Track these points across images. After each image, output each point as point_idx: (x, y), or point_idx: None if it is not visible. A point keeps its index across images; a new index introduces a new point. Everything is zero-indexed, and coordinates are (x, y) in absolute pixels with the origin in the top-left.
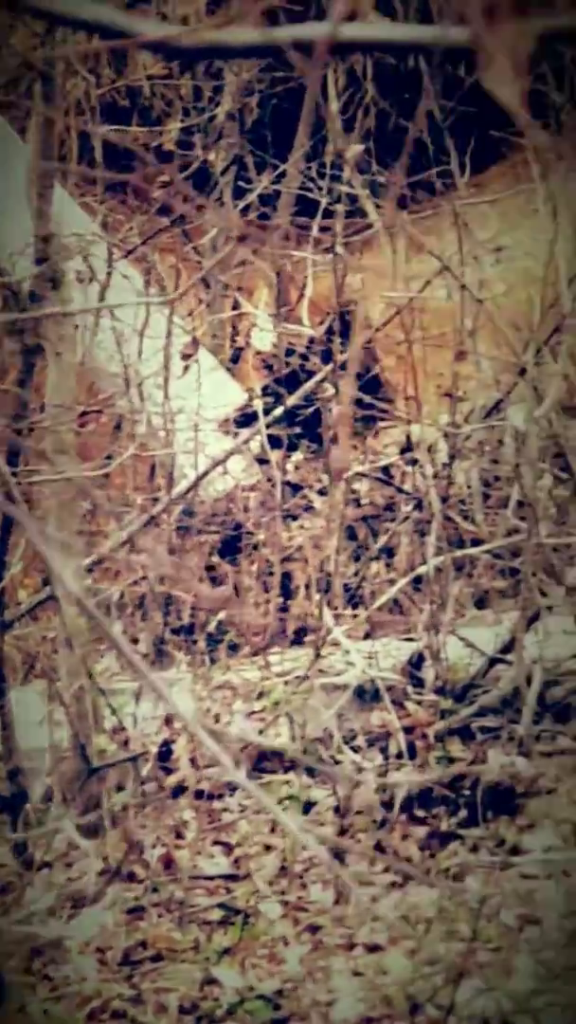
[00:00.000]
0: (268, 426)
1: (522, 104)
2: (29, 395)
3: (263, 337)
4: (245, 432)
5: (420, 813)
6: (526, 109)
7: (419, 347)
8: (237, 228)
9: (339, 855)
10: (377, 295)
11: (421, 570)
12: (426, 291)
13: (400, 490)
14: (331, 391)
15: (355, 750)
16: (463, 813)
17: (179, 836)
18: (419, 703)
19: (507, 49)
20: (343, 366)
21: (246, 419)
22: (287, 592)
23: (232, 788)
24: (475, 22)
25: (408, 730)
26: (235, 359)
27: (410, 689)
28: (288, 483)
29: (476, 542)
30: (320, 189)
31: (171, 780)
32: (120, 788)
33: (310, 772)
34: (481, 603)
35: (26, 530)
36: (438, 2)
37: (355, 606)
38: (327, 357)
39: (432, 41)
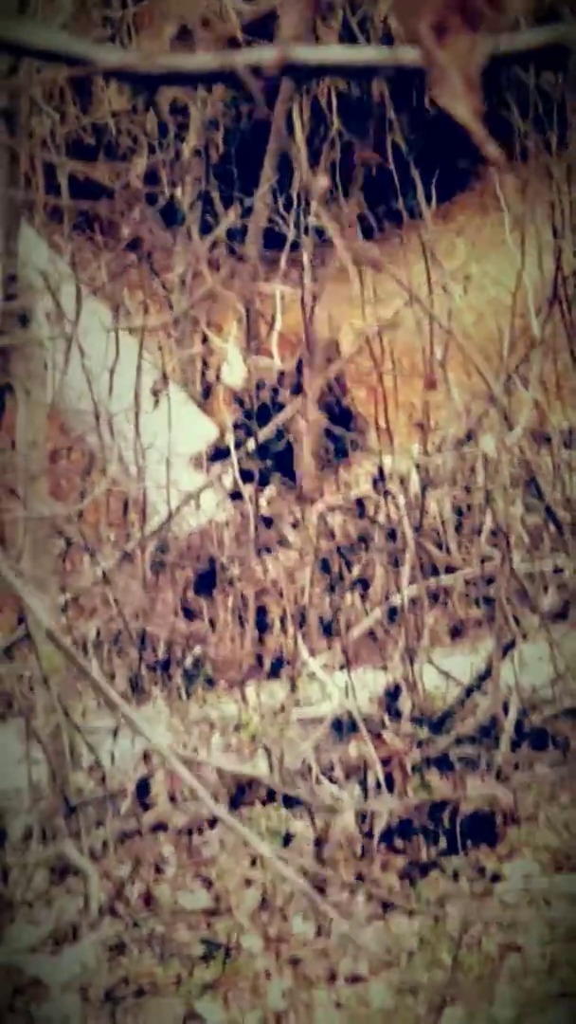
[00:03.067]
0: (240, 460)
1: (475, 119)
2: None
3: (233, 371)
4: (217, 467)
5: (400, 843)
6: (480, 124)
7: (389, 377)
8: (205, 261)
9: (320, 887)
10: (346, 326)
11: (395, 600)
12: (395, 321)
13: (373, 521)
14: (302, 424)
15: (333, 781)
16: (443, 842)
17: (159, 871)
18: (396, 733)
19: (458, 65)
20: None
21: (218, 454)
22: (263, 625)
23: (212, 823)
24: (426, 39)
25: (386, 761)
26: (206, 394)
27: (387, 720)
28: (262, 517)
29: (450, 570)
30: (287, 223)
31: (149, 816)
32: (99, 825)
33: (288, 804)
34: (457, 632)
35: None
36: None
37: (330, 638)
38: (297, 390)
39: (383, 62)
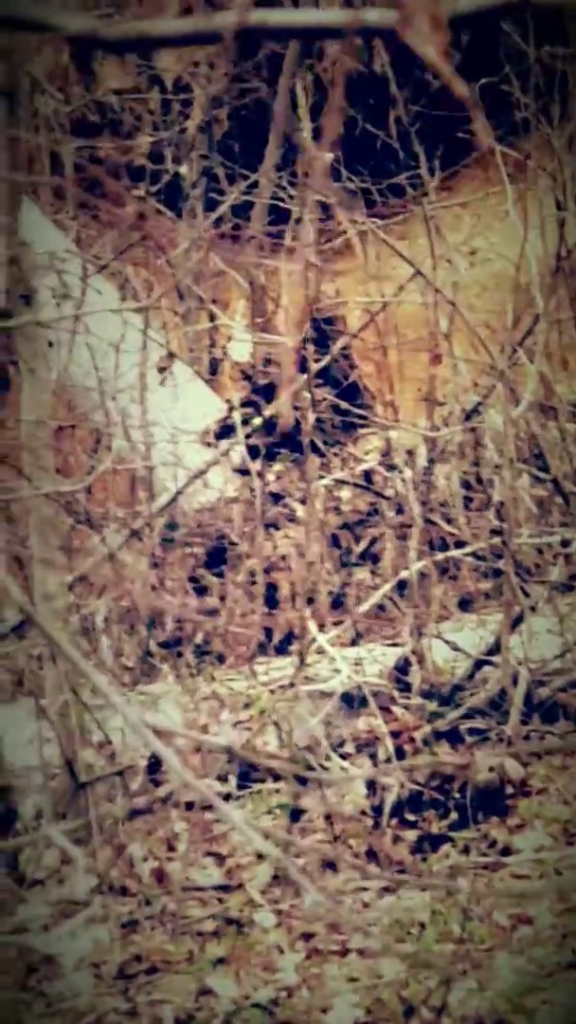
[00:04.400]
0: (247, 436)
1: (443, 60)
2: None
3: (240, 348)
4: (224, 443)
5: (410, 817)
6: (448, 65)
7: (395, 352)
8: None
9: (331, 862)
10: (352, 302)
11: (404, 575)
12: (400, 296)
13: (381, 495)
14: (308, 399)
15: (343, 756)
16: (453, 815)
17: (171, 848)
18: (406, 707)
19: (425, 7)
20: (320, 374)
21: (225, 430)
22: (272, 601)
23: (225, 798)
24: None
25: (396, 734)
26: (213, 371)
27: (396, 694)
28: (270, 493)
29: (459, 544)
30: (291, 198)
31: (161, 792)
32: (110, 801)
33: (300, 780)
34: (465, 605)
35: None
36: None
37: (340, 613)
38: (304, 366)
39: (348, 23)
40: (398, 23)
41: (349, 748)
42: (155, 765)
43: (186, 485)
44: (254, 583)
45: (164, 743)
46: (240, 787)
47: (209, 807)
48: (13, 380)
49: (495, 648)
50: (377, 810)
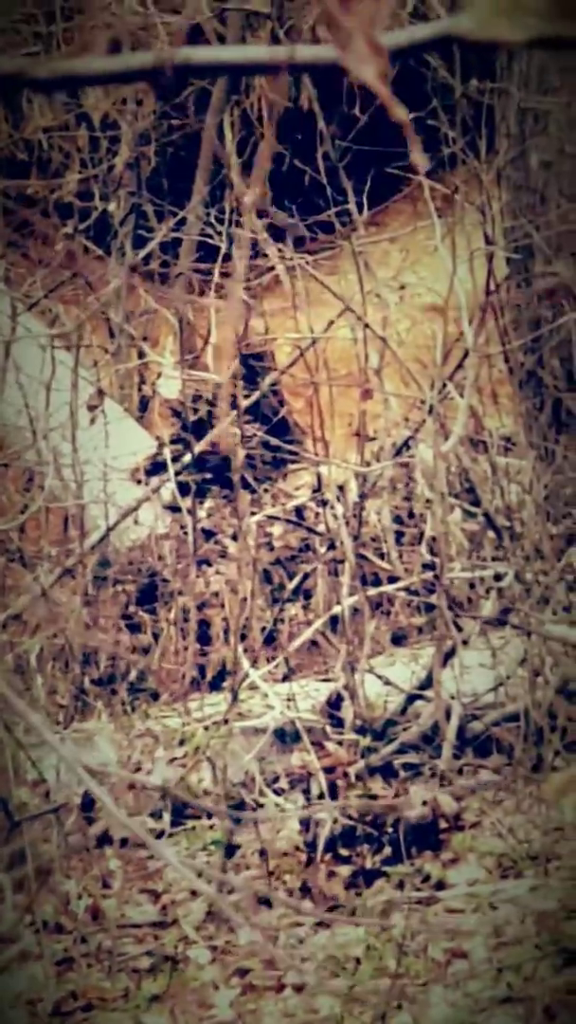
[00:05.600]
0: (178, 473)
1: (382, 83)
2: None
3: (169, 385)
4: (155, 480)
5: (344, 852)
6: (387, 88)
7: (325, 388)
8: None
9: (265, 899)
10: (282, 337)
11: (336, 610)
12: (330, 331)
13: (313, 531)
14: (238, 435)
15: (277, 792)
16: (387, 850)
17: (105, 885)
18: (339, 743)
19: (363, 28)
20: (248, 410)
21: (155, 467)
22: (205, 638)
23: (159, 835)
24: (330, 3)
25: (329, 770)
26: (143, 408)
27: (330, 729)
28: (201, 529)
29: (392, 579)
30: (220, 235)
31: (94, 830)
32: (45, 841)
33: (234, 817)
34: (398, 640)
35: None
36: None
37: (273, 649)
38: (234, 403)
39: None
40: (336, 45)
41: (283, 784)
42: (89, 803)
43: (117, 522)
44: (187, 620)
45: (98, 781)
46: (174, 823)
47: (143, 844)
48: None
49: (427, 683)
50: (311, 845)
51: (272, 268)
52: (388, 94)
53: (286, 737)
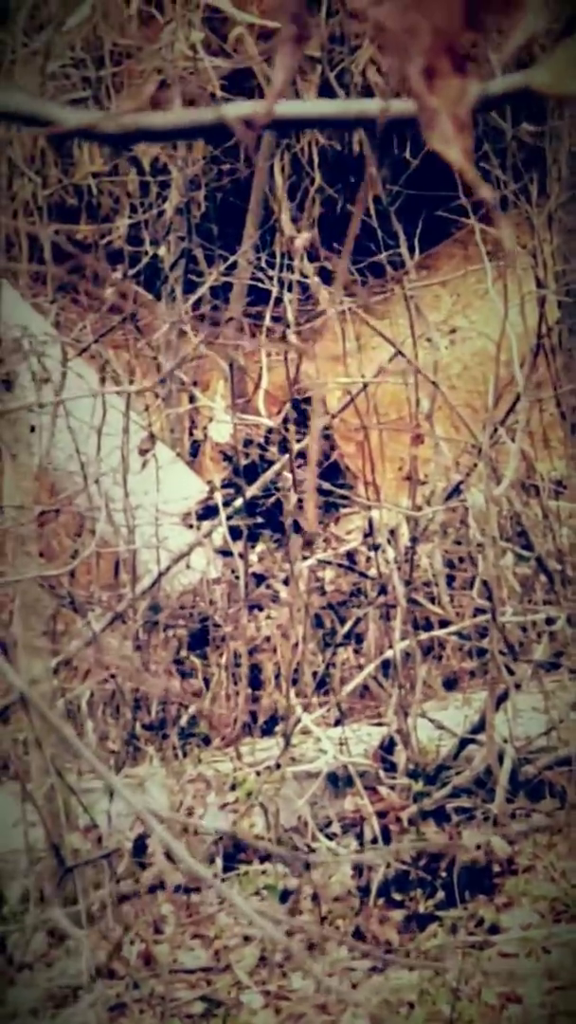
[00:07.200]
0: (229, 518)
1: (467, 162)
2: None
3: (220, 429)
4: (207, 525)
5: (397, 896)
6: (472, 166)
7: (376, 432)
8: (190, 320)
9: (316, 944)
10: (332, 382)
11: (388, 654)
12: (381, 376)
13: (364, 575)
14: (290, 480)
15: (330, 837)
16: (440, 895)
17: (158, 931)
18: (392, 787)
19: (448, 108)
20: (300, 455)
21: (207, 512)
22: (256, 682)
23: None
24: (416, 83)
25: (382, 814)
26: (194, 452)
27: (382, 773)
28: (253, 574)
29: (444, 623)
30: (271, 279)
31: (147, 875)
32: (97, 886)
33: (287, 861)
34: (450, 684)
35: None
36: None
37: (325, 693)
38: (284, 447)
39: (374, 113)
40: (421, 124)
41: (335, 828)
42: (141, 848)
43: (169, 567)
44: (238, 664)
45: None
46: (226, 868)
47: (196, 889)
48: None
49: (480, 726)
50: (364, 890)
51: (323, 312)
52: (474, 174)
53: (338, 782)
